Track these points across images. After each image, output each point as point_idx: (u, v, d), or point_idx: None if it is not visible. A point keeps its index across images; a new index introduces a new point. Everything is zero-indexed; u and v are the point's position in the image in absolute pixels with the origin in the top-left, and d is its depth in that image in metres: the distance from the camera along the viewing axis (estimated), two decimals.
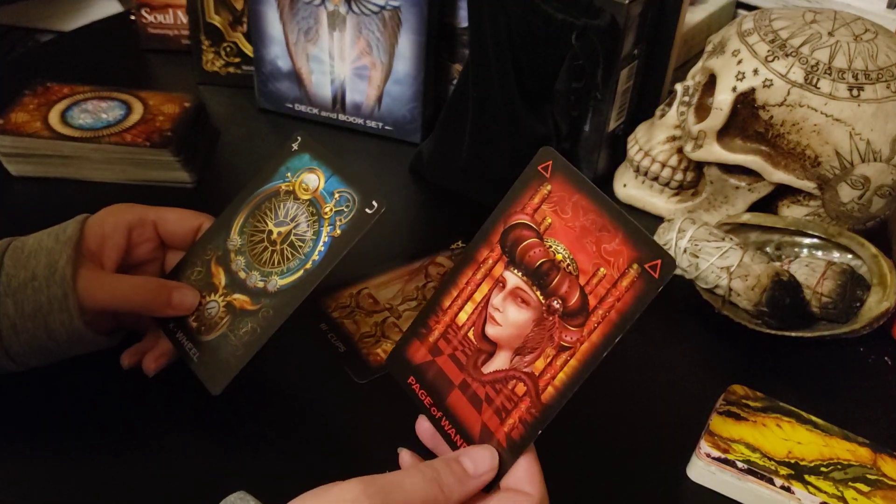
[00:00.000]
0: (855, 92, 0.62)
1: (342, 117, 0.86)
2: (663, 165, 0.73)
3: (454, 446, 0.44)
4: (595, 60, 0.70)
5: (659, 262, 0.38)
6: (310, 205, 0.53)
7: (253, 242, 0.55)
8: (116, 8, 1.07)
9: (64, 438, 0.54)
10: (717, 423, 0.54)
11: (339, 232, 0.51)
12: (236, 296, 0.54)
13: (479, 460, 0.42)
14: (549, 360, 0.41)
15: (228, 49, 0.90)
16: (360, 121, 0.86)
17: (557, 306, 0.42)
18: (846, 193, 0.65)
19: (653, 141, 0.73)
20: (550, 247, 0.42)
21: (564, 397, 0.41)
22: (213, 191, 0.77)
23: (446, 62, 0.85)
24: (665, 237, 0.64)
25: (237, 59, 0.91)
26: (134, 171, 0.75)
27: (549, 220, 0.43)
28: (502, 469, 0.42)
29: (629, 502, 0.53)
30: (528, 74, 0.70)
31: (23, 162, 0.75)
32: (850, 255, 0.66)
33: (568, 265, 0.42)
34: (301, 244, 0.52)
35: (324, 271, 0.51)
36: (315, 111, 0.87)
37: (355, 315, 0.64)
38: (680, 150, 0.72)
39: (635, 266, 0.39)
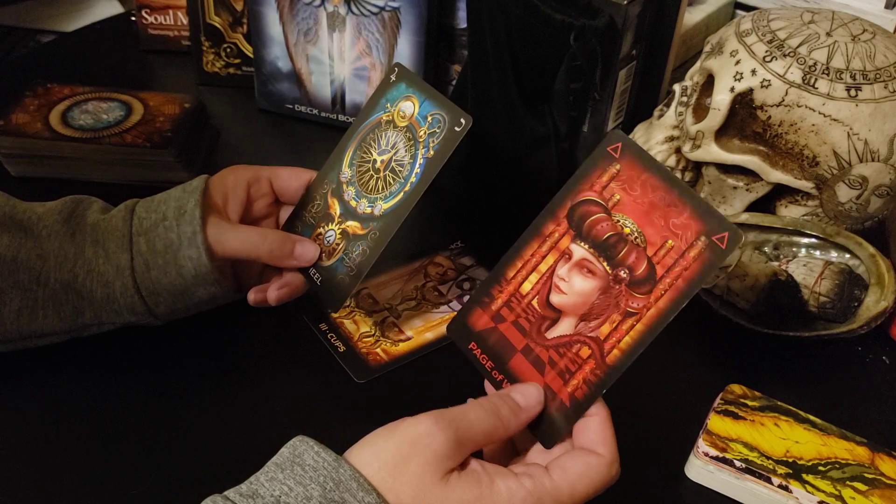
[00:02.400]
0: (853, 92, 0.62)
1: (342, 118, 0.86)
2: None
3: None
4: (593, 61, 0.71)
5: (726, 234, 0.41)
6: (407, 131, 0.57)
7: (361, 172, 0.59)
8: (117, 9, 1.07)
9: (60, 440, 0.54)
10: (715, 422, 0.55)
11: (432, 153, 0.55)
12: (349, 223, 0.58)
13: (528, 394, 0.45)
14: (615, 325, 0.44)
15: (228, 50, 0.90)
16: None
17: (624, 276, 0.44)
18: (844, 193, 0.65)
19: (651, 141, 0.73)
20: (618, 221, 0.45)
21: (630, 358, 0.43)
22: None
23: (445, 63, 0.85)
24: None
25: (237, 60, 0.91)
26: (134, 172, 0.75)
27: (618, 197, 0.45)
28: (566, 427, 0.45)
29: (627, 501, 0.53)
30: (527, 75, 0.70)
31: (23, 163, 0.75)
32: (847, 255, 0.66)
33: (636, 238, 0.44)
34: (400, 169, 0.56)
35: (420, 190, 0.55)
36: (315, 112, 0.87)
37: (355, 315, 0.64)
38: (678, 151, 0.72)
39: (703, 238, 0.42)
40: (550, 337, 0.46)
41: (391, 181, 0.57)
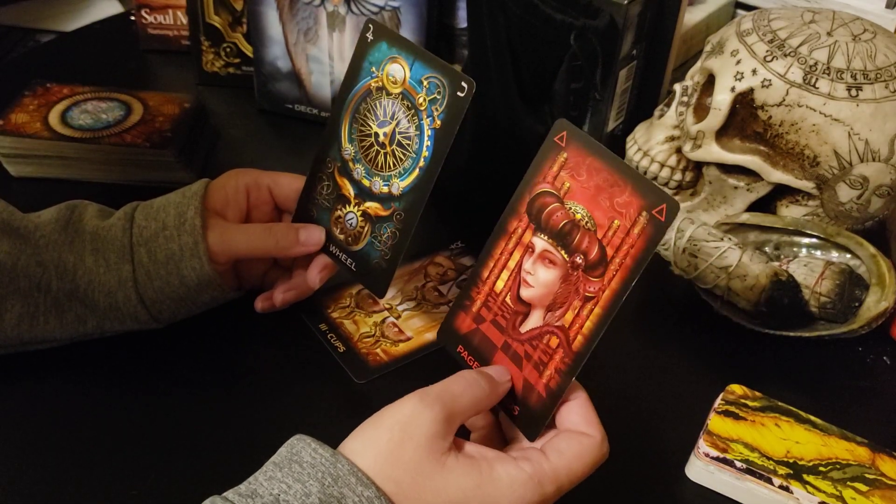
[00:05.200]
0: (853, 92, 0.62)
1: None
2: (662, 165, 0.73)
3: (501, 404, 0.48)
4: (594, 61, 0.71)
5: (664, 206, 0.42)
6: (403, 98, 0.54)
7: (364, 147, 0.56)
8: (116, 8, 1.07)
9: (60, 440, 0.54)
10: (716, 423, 0.55)
11: (439, 123, 0.52)
12: (368, 204, 0.56)
13: (498, 370, 0.47)
14: (576, 311, 0.45)
15: (228, 50, 0.90)
16: None
17: (580, 261, 0.45)
18: (845, 193, 0.65)
19: (651, 141, 0.73)
20: (570, 208, 0.45)
21: (593, 342, 0.44)
22: None
23: None
24: (664, 237, 0.64)
25: (237, 60, 0.91)
26: (134, 172, 0.75)
27: (568, 185, 0.46)
28: (545, 415, 0.45)
29: (628, 501, 0.53)
30: (527, 75, 0.70)
31: (23, 163, 0.75)
32: (848, 255, 0.66)
33: (586, 223, 0.45)
34: (408, 142, 0.54)
35: (438, 164, 0.53)
36: (315, 111, 0.87)
37: (355, 315, 0.64)
38: (679, 150, 0.72)
39: (644, 213, 0.42)
40: (524, 331, 0.47)
41: (402, 156, 0.54)
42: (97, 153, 0.74)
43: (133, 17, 0.97)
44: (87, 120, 0.76)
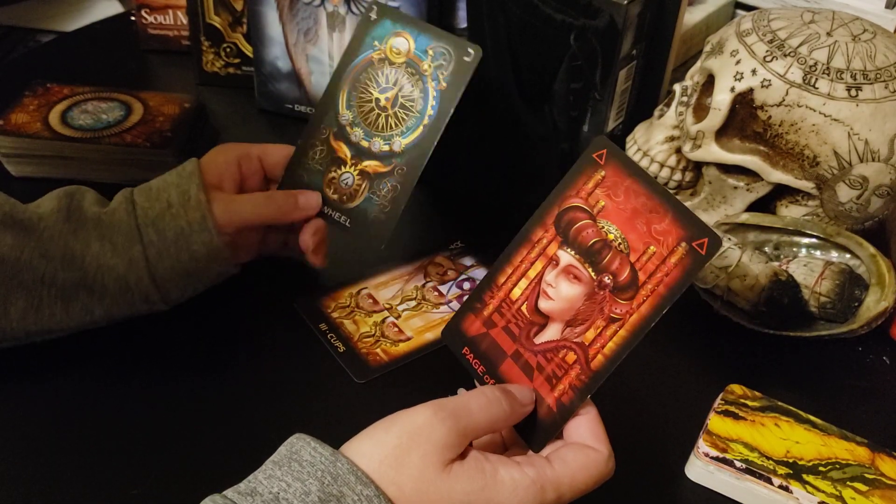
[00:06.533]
0: (853, 92, 0.62)
1: None
2: (662, 165, 0.73)
3: None
4: (594, 61, 0.71)
5: (706, 240, 0.41)
6: (407, 66, 0.54)
7: (364, 112, 0.56)
8: (117, 8, 1.07)
9: (60, 440, 0.54)
10: (716, 423, 0.55)
11: (444, 84, 0.52)
12: (366, 163, 0.57)
13: (524, 391, 0.46)
14: (599, 330, 0.44)
15: (228, 50, 0.90)
16: None
17: (608, 282, 0.44)
18: (844, 193, 0.65)
19: (651, 141, 0.73)
20: (603, 227, 0.45)
21: (613, 364, 0.44)
22: None
23: None
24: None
25: (237, 60, 0.91)
26: (134, 172, 0.75)
27: (603, 203, 0.45)
28: (553, 429, 0.45)
29: (628, 501, 0.53)
30: (527, 75, 0.70)
31: (23, 162, 0.75)
32: (848, 255, 0.66)
33: (619, 244, 0.44)
34: (411, 104, 0.54)
35: (442, 123, 0.53)
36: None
37: (355, 315, 0.64)
38: (678, 151, 0.72)
39: (683, 244, 0.42)
40: (538, 342, 0.47)
41: (404, 117, 0.54)
42: (97, 153, 0.74)
43: (133, 17, 0.97)
44: (88, 120, 0.76)
